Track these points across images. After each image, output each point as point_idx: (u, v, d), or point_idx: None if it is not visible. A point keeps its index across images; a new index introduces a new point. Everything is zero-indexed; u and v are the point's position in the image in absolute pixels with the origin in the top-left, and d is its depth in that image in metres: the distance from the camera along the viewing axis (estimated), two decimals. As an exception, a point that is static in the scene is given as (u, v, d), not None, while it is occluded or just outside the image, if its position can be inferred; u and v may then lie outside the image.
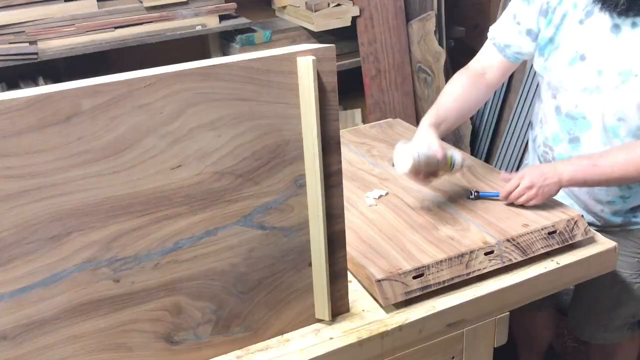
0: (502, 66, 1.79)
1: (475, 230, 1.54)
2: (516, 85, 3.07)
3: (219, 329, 1.27)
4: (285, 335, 1.33)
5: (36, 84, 2.52)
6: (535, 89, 2.89)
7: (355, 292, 1.43)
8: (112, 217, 1.10)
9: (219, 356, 1.29)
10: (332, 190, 1.25)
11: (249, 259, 1.24)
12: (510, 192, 1.60)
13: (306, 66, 1.12)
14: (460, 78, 1.80)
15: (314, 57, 1.13)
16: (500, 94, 3.13)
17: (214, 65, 1.09)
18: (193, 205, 1.15)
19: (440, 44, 2.99)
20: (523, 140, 2.93)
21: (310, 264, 1.29)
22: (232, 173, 1.16)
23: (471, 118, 3.10)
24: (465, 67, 1.84)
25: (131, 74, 1.04)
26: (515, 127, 2.98)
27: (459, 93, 1.76)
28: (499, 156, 3.06)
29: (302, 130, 1.18)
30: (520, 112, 2.95)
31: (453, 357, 1.46)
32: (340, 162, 1.24)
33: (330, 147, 1.21)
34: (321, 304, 1.32)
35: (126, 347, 1.20)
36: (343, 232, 1.30)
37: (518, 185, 1.59)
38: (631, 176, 1.53)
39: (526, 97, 2.94)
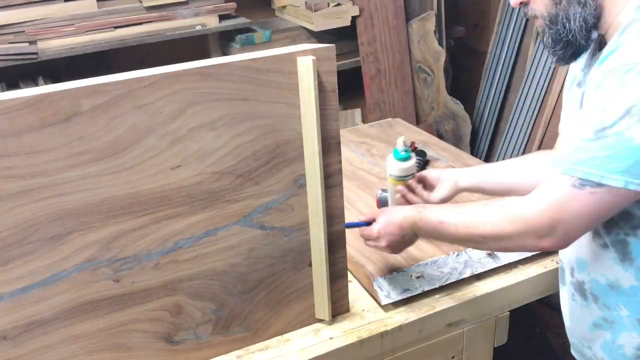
0: None
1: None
2: (516, 85, 3.07)
3: (219, 329, 1.27)
4: (285, 335, 1.33)
5: (36, 84, 2.52)
6: (535, 89, 2.89)
7: (355, 291, 1.43)
8: (112, 217, 1.10)
9: (219, 356, 1.29)
10: (332, 190, 1.25)
11: (249, 259, 1.24)
12: (364, 236, 1.35)
13: (306, 66, 1.12)
14: (531, 157, 1.48)
15: (314, 57, 1.12)
16: (500, 93, 3.13)
17: (213, 65, 1.09)
18: (193, 205, 1.15)
19: (440, 43, 2.99)
20: (523, 140, 2.93)
21: (310, 264, 1.29)
22: (232, 173, 1.16)
23: (471, 118, 3.10)
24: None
25: (131, 74, 1.04)
26: (515, 127, 2.97)
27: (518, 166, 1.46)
28: (498, 156, 3.06)
29: (302, 130, 1.18)
30: (520, 112, 2.94)
31: (453, 357, 1.46)
32: (340, 162, 1.24)
33: (330, 147, 1.21)
34: (321, 304, 1.32)
35: (126, 347, 1.20)
36: (343, 232, 1.30)
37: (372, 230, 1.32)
38: (476, 240, 1.18)
39: (526, 97, 2.94)
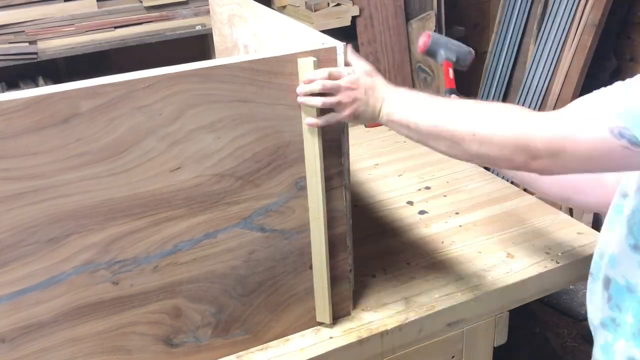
0: None
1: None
2: (516, 85, 3.07)
3: (219, 332, 1.26)
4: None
5: (36, 84, 2.52)
6: (535, 89, 2.89)
7: (355, 291, 1.42)
8: (111, 219, 1.09)
9: (218, 359, 1.28)
10: (333, 192, 1.24)
11: (249, 261, 1.23)
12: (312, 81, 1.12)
13: (307, 67, 1.11)
14: None
15: (315, 58, 1.12)
16: (500, 93, 3.13)
17: (213, 67, 1.08)
18: (192, 208, 1.14)
19: (441, 43, 2.98)
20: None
21: (311, 267, 1.28)
22: (232, 175, 1.15)
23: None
24: None
25: (130, 75, 1.03)
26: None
27: None
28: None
29: (303, 132, 1.17)
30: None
31: (453, 357, 1.45)
32: (341, 164, 1.23)
33: (331, 149, 1.20)
34: (322, 307, 1.31)
35: (125, 350, 1.19)
36: (344, 234, 1.29)
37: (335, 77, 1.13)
38: (456, 133, 1.03)
39: (526, 96, 2.94)
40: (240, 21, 1.47)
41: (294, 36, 1.30)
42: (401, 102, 1.12)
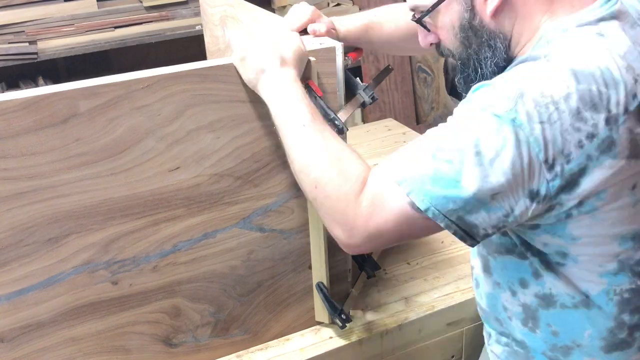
0: None
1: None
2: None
3: (218, 332, 1.26)
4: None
5: (36, 84, 2.52)
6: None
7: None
8: (110, 219, 1.09)
9: (218, 358, 1.28)
10: (331, 192, 1.24)
11: (248, 261, 1.23)
12: None
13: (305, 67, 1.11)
14: None
15: (313, 59, 1.12)
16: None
17: (212, 67, 1.08)
18: (191, 208, 1.14)
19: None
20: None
21: (310, 267, 1.28)
22: (231, 175, 1.15)
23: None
24: None
25: (129, 75, 1.03)
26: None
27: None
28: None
29: (302, 132, 1.17)
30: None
31: (453, 356, 1.46)
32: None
33: (329, 148, 1.20)
34: (321, 306, 1.31)
35: (124, 350, 1.19)
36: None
37: None
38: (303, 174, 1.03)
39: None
40: (234, 22, 1.47)
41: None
42: (278, 96, 1.05)
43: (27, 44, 2.41)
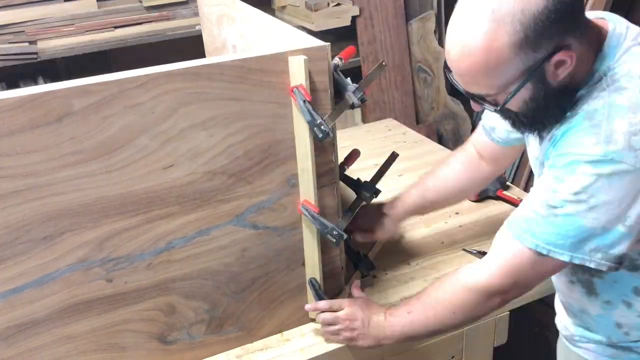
0: (493, 151, 1.43)
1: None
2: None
3: (213, 329, 1.27)
4: (285, 335, 1.34)
5: (36, 84, 2.53)
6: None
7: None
8: (105, 217, 1.10)
9: (214, 355, 1.29)
10: (324, 189, 1.24)
11: (242, 258, 1.24)
12: (318, 309, 1.30)
13: (298, 65, 1.12)
14: (455, 162, 1.51)
15: (305, 57, 1.12)
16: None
17: (205, 65, 1.09)
18: (185, 205, 1.15)
19: (440, 43, 2.98)
20: (523, 140, 2.91)
21: (303, 264, 1.29)
22: (225, 172, 1.16)
23: (471, 117, 3.09)
24: (461, 147, 1.54)
25: (122, 74, 1.04)
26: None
27: (452, 176, 1.50)
28: (499, 155, 3.05)
29: (294, 130, 1.18)
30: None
31: (453, 357, 1.46)
32: (332, 161, 1.23)
33: (322, 146, 1.21)
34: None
35: (119, 347, 1.20)
36: (337, 231, 1.29)
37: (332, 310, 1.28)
38: (448, 323, 1.19)
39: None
40: (229, 21, 1.48)
41: (281, 37, 1.31)
42: (397, 326, 1.23)
43: (27, 44, 2.42)
